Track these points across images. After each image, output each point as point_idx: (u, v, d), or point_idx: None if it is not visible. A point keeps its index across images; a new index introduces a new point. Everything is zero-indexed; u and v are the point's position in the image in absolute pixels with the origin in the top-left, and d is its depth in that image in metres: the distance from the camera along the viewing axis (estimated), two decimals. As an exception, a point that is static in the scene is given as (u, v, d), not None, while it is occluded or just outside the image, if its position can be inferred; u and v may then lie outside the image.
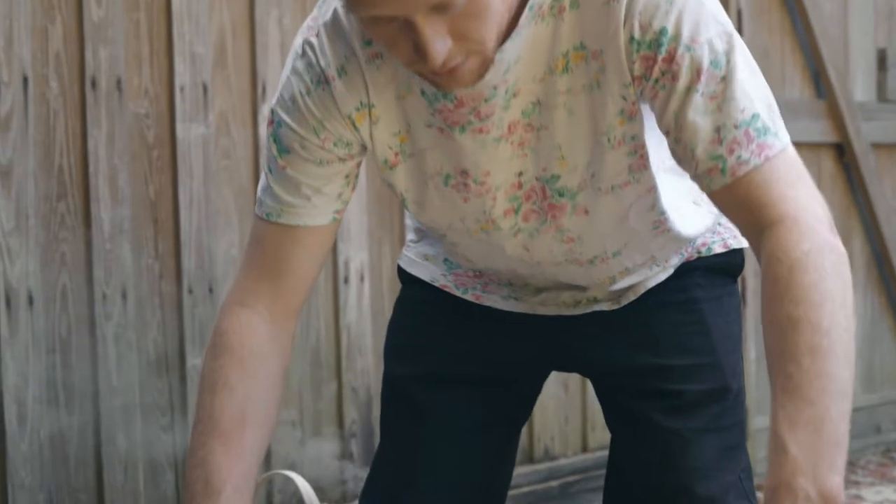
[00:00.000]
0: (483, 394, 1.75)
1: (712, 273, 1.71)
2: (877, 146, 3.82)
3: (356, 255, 2.67)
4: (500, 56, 1.42)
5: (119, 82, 2.35)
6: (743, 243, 1.73)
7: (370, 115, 1.50)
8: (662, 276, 1.69)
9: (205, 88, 2.45)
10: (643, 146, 1.50)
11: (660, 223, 1.60)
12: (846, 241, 3.78)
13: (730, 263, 1.73)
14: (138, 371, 2.39)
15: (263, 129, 2.52)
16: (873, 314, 3.90)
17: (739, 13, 3.39)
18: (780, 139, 1.40)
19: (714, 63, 1.39)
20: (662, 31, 1.39)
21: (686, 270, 1.70)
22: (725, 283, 1.73)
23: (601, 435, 3.14)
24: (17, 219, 2.23)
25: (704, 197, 1.63)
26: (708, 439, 1.66)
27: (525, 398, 1.82)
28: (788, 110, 3.54)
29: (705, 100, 1.39)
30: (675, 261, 1.69)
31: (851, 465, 3.71)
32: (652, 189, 1.56)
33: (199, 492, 1.46)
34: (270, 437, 1.54)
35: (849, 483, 3.51)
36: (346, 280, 2.67)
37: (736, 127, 1.38)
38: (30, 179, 2.25)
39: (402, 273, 1.83)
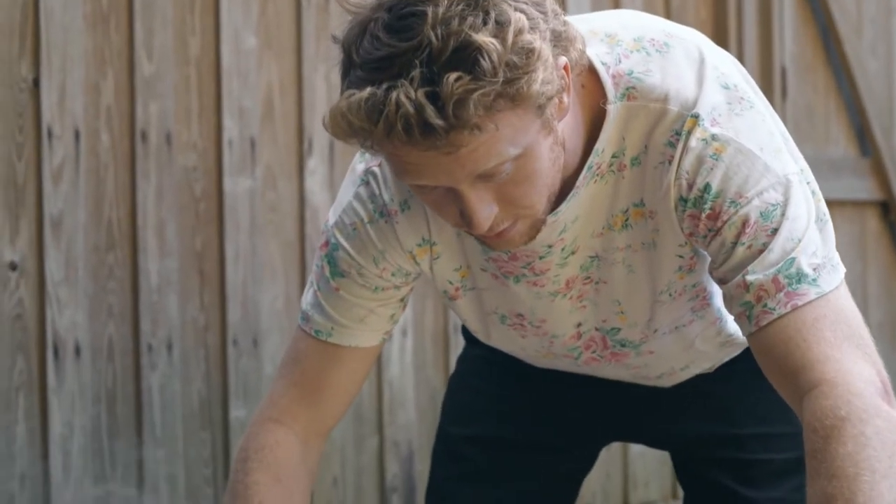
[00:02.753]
0: (543, 458, 1.73)
1: None
2: (922, 205, 3.80)
3: (399, 309, 2.68)
4: (554, 217, 1.38)
5: (168, 136, 2.38)
6: None
7: (431, 251, 1.47)
8: (736, 353, 1.64)
9: (252, 143, 2.48)
10: (704, 289, 1.48)
11: (728, 342, 1.57)
12: (891, 301, 3.77)
13: None
14: (182, 422, 2.40)
15: (309, 184, 2.55)
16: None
17: (784, 72, 3.40)
18: (817, 286, 1.33)
19: (764, 215, 1.34)
20: (706, 188, 1.35)
21: None
22: None
23: (642, 492, 3.12)
24: (67, 270, 2.26)
25: None
26: None
27: (585, 463, 1.79)
28: (833, 169, 3.53)
29: (750, 251, 1.34)
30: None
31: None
32: (717, 320, 1.53)
33: None
34: None
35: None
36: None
37: (766, 274, 1.33)
38: (80, 231, 2.28)
39: (465, 331, 1.79)
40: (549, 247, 1.42)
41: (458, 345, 2.67)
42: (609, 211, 1.41)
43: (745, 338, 1.56)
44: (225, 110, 2.45)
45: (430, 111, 1.21)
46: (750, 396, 1.65)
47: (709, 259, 1.42)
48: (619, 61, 1.38)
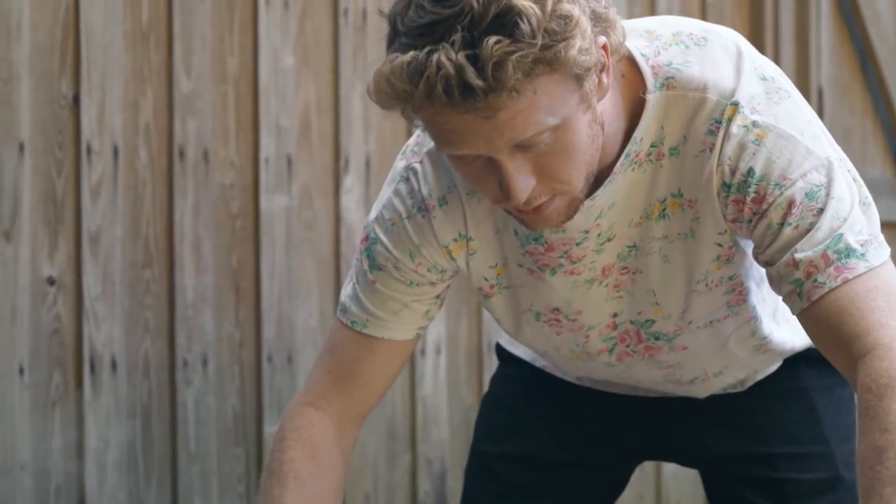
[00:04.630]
0: (576, 476, 1.74)
1: (823, 363, 1.61)
2: (959, 227, 3.78)
3: (433, 328, 2.69)
4: (591, 202, 1.41)
5: (206, 153, 2.40)
6: None
7: (467, 246, 1.51)
8: (771, 369, 1.66)
9: (289, 161, 2.50)
10: (741, 283, 1.49)
11: (761, 346, 1.58)
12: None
13: None
14: (216, 438, 2.41)
15: (345, 202, 2.56)
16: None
17: (821, 93, 3.39)
18: (866, 260, 1.35)
19: (809, 196, 1.36)
20: (750, 173, 1.37)
21: (795, 360, 1.66)
22: (836, 374, 1.62)
23: (676, 513, 3.11)
24: (104, 285, 2.28)
25: None
26: None
27: (618, 482, 1.80)
28: (869, 189, 3.52)
29: (797, 231, 1.36)
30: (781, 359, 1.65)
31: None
32: (751, 319, 1.54)
33: None
34: None
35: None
36: (423, 352, 2.68)
37: (815, 251, 1.35)
38: (117, 246, 2.30)
39: (500, 351, 1.82)
40: (586, 232, 1.44)
41: (491, 363, 2.67)
42: (647, 200, 1.43)
43: (780, 344, 1.57)
44: (262, 128, 2.46)
45: (469, 72, 1.24)
46: (781, 415, 1.66)
47: (749, 251, 1.43)
48: (658, 53, 1.41)
